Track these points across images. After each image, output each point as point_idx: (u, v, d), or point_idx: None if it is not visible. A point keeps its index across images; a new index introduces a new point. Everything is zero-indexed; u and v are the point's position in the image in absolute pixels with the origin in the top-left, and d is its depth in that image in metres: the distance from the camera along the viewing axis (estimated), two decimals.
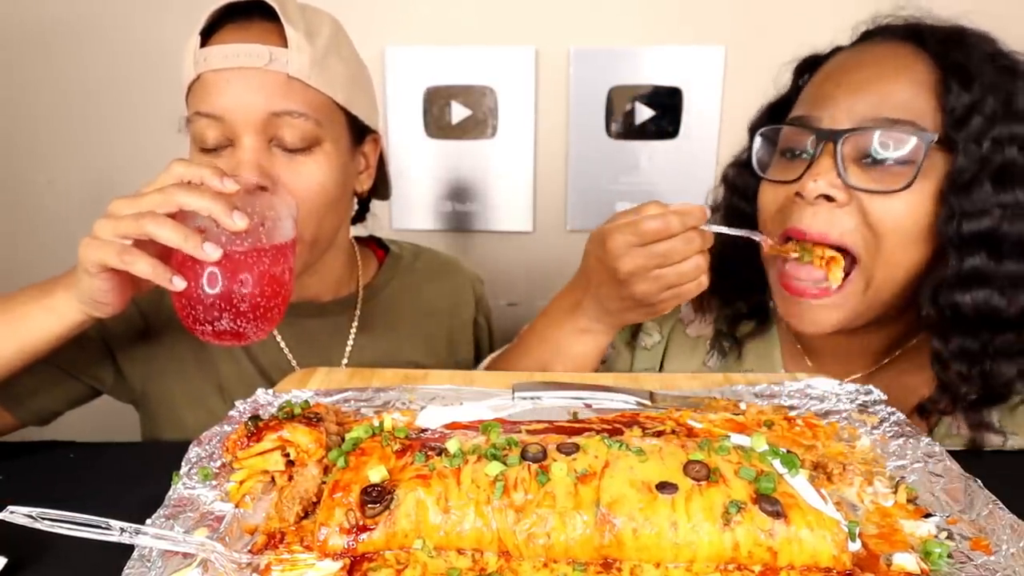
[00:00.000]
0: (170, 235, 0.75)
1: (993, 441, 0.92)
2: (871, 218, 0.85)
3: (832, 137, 0.85)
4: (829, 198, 0.86)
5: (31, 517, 0.61)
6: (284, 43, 0.96)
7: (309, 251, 1.02)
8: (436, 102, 1.74)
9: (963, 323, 0.86)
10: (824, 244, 0.87)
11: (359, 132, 1.09)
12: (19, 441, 0.99)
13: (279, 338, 1.15)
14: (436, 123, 1.75)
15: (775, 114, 1.01)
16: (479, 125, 1.75)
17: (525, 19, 1.69)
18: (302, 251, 1.00)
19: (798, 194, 0.87)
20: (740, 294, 1.05)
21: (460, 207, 1.82)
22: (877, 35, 0.95)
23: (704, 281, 0.89)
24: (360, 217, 1.27)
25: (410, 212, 1.83)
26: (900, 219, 0.85)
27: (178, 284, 0.77)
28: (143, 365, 1.11)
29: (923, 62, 0.87)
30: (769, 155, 0.97)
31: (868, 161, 0.85)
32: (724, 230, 0.90)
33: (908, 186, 0.83)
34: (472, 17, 1.70)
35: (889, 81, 0.87)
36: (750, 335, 1.07)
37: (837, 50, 0.98)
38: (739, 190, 1.04)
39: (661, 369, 1.12)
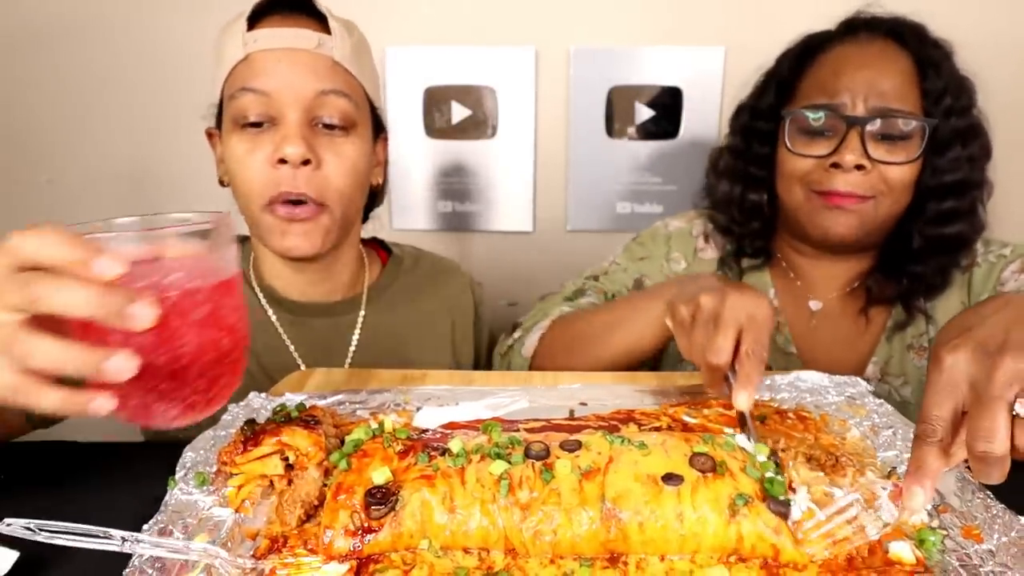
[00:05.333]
0: (54, 362, 0.54)
1: (919, 316, 1.21)
2: (886, 177, 1.12)
3: (860, 123, 1.10)
4: (859, 167, 1.11)
5: (30, 529, 0.59)
6: (327, 33, 1.03)
7: (340, 230, 1.09)
8: (436, 102, 1.74)
9: (943, 248, 1.16)
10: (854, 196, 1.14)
11: (376, 128, 1.14)
12: (19, 441, 0.99)
13: (286, 339, 1.15)
14: (436, 123, 1.75)
15: (779, 94, 1.23)
16: (479, 125, 1.75)
17: (525, 19, 1.69)
18: (332, 227, 1.07)
19: (834, 164, 1.12)
20: (749, 241, 1.30)
21: (460, 207, 1.81)
22: (861, 29, 1.18)
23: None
24: (364, 216, 1.27)
25: (410, 212, 1.83)
26: (904, 177, 1.13)
27: (99, 407, 0.55)
28: None
29: (905, 56, 1.14)
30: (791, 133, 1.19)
31: (880, 138, 1.11)
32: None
33: (917, 159, 1.12)
34: (472, 17, 1.70)
35: (890, 76, 1.12)
36: (750, 268, 1.32)
37: (826, 38, 1.20)
38: (753, 159, 1.26)
39: None
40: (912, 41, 1.14)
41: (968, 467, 0.66)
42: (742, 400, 0.79)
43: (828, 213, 1.14)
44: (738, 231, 1.30)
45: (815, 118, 1.13)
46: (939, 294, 1.20)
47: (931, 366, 0.62)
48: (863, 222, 1.14)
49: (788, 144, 1.17)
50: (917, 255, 1.17)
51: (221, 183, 1.13)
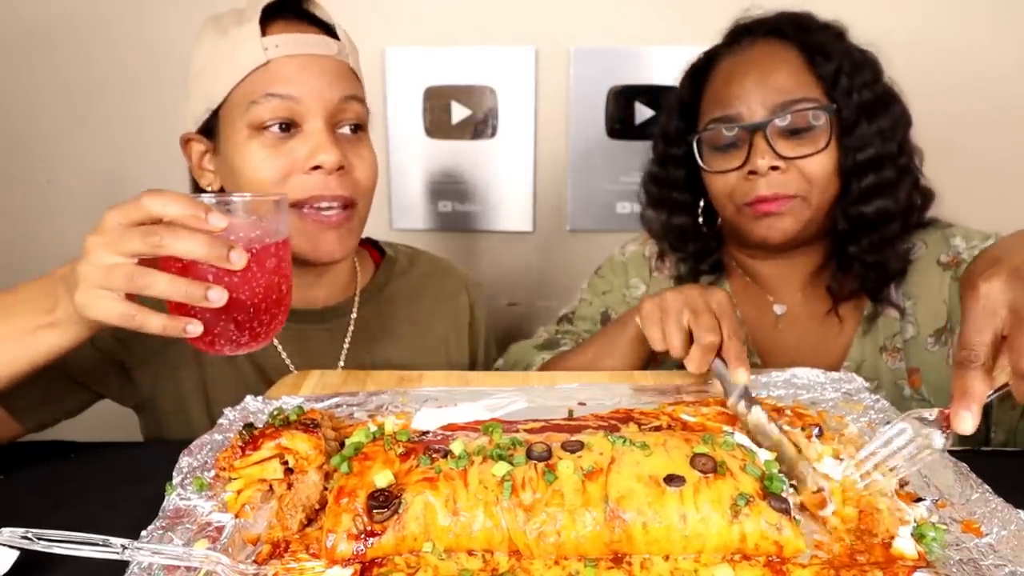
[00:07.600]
0: (168, 291, 0.71)
1: (893, 314, 1.19)
2: (805, 172, 1.11)
3: (760, 127, 1.10)
4: (775, 168, 1.10)
5: (27, 538, 0.59)
6: (338, 39, 1.06)
7: (362, 230, 1.12)
8: (436, 102, 1.74)
9: (867, 226, 1.14)
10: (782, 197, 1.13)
11: None
12: (19, 441, 0.99)
13: (277, 343, 1.14)
14: (436, 123, 1.75)
15: (685, 117, 1.25)
16: (479, 125, 1.75)
17: (525, 19, 1.69)
18: (359, 227, 1.10)
19: (752, 172, 1.12)
20: (700, 259, 1.31)
21: (460, 207, 1.81)
22: (743, 35, 1.19)
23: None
24: None
25: (410, 212, 1.82)
26: (824, 168, 1.11)
27: (193, 331, 0.73)
28: (152, 368, 1.10)
29: (791, 49, 1.14)
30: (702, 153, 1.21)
31: (789, 135, 1.11)
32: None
33: (826, 146, 1.10)
34: (472, 17, 1.69)
35: (778, 72, 1.12)
36: (708, 283, 1.31)
37: (714, 53, 1.21)
38: (672, 184, 1.28)
39: None
40: (794, 33, 1.14)
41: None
42: (741, 375, 0.87)
43: (761, 223, 1.14)
44: (680, 254, 1.32)
45: (727, 132, 1.14)
46: (898, 278, 1.18)
47: (967, 295, 0.65)
48: (796, 220, 1.13)
49: (704, 165, 1.19)
50: (848, 237, 1.16)
51: (202, 190, 1.10)
